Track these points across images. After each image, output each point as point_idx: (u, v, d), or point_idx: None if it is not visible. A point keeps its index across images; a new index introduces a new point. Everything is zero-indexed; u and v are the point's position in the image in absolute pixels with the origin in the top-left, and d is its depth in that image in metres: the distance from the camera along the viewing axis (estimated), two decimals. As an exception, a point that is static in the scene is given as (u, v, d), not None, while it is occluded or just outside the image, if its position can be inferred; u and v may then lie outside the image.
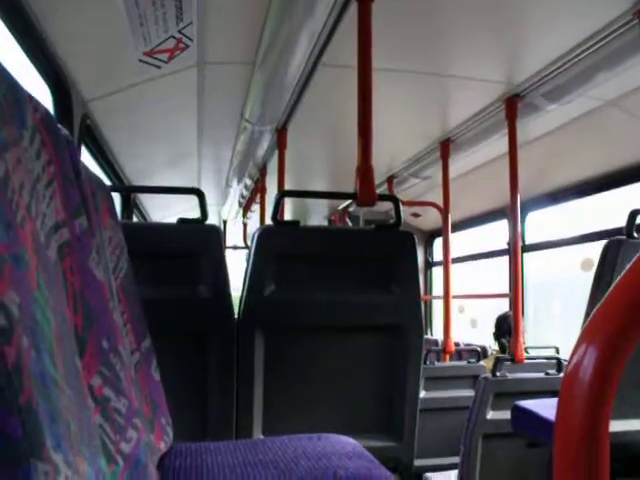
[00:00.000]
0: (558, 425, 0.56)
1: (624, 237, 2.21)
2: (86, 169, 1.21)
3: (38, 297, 0.69)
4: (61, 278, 0.86)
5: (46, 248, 0.81)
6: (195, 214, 2.07)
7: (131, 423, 0.95)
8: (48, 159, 0.88)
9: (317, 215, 7.92)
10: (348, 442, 1.47)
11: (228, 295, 2.00)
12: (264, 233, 2.01)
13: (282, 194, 2.17)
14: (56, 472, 0.61)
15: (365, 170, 2.13)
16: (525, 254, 4.99)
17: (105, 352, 0.94)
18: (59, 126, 0.96)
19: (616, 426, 2.08)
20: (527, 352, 3.68)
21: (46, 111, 0.89)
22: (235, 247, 9.02)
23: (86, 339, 0.90)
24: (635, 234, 2.24)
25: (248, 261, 2.01)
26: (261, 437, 1.97)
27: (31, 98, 0.84)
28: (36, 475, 0.56)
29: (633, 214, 2.27)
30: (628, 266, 0.56)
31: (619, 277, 0.56)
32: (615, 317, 0.55)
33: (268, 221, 2.09)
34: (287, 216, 6.36)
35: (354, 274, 2.08)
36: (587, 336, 0.56)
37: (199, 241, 2.00)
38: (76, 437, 0.71)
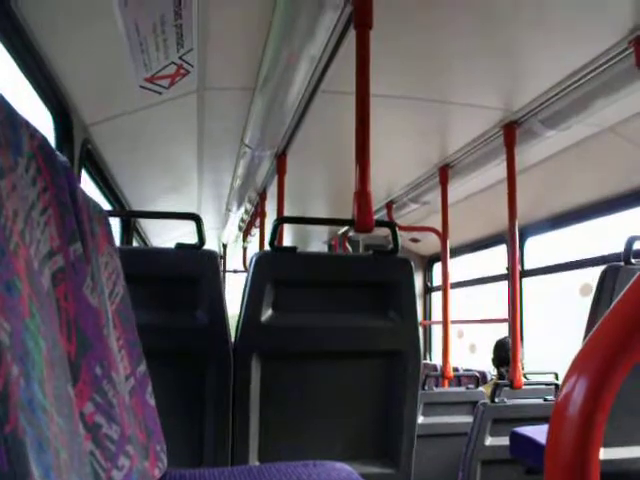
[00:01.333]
0: (548, 453, 0.55)
1: (621, 263, 2.21)
2: (84, 194, 1.21)
3: (30, 324, 0.69)
4: (54, 305, 0.86)
5: (40, 275, 0.81)
6: (195, 239, 2.07)
7: (123, 450, 0.94)
8: (44, 186, 0.88)
9: (317, 240, 7.93)
10: (343, 469, 1.46)
11: (225, 320, 2.00)
12: (262, 258, 2.01)
13: (280, 220, 2.17)
14: None
15: (362, 196, 2.13)
16: (525, 279, 5.00)
17: (98, 379, 0.94)
18: (57, 152, 0.97)
19: (609, 454, 2.07)
20: (526, 378, 3.67)
21: (43, 138, 0.90)
22: (235, 271, 9.02)
23: (79, 366, 0.90)
24: (633, 260, 2.24)
25: (245, 286, 2.00)
26: (257, 464, 1.96)
27: (28, 125, 0.85)
28: None
29: (630, 240, 2.28)
30: (619, 296, 0.56)
31: (610, 307, 0.56)
32: (606, 346, 0.55)
33: (267, 246, 2.09)
34: (287, 240, 6.37)
35: (352, 300, 2.07)
36: (578, 365, 0.56)
37: (196, 266, 2.00)
38: (66, 465, 0.71)
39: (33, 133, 0.86)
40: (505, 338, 4.28)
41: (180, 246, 2.02)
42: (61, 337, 0.85)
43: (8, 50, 2.11)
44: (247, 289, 1.98)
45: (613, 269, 2.18)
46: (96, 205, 1.35)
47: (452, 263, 4.68)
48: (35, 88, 2.42)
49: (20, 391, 0.62)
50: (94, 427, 0.90)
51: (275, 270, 2.02)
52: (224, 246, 8.59)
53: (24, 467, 0.58)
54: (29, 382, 0.65)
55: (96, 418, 0.91)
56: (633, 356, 0.54)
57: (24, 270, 0.72)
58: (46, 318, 0.77)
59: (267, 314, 1.99)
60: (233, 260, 9.16)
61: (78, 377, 0.89)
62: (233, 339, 2.01)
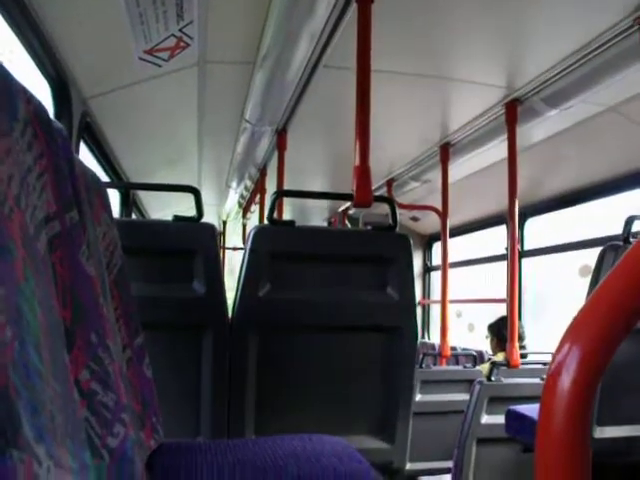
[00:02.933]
0: (540, 424, 0.55)
1: (620, 243, 2.21)
2: (81, 164, 1.20)
3: (24, 289, 0.69)
4: (50, 271, 0.86)
5: (35, 240, 0.81)
6: (194, 213, 2.07)
7: (118, 418, 0.95)
8: (40, 152, 0.87)
9: (317, 217, 7.92)
10: (339, 443, 1.47)
11: (222, 293, 2.00)
12: (259, 232, 2.01)
13: (279, 194, 2.17)
14: (37, 463, 0.61)
15: (362, 171, 2.12)
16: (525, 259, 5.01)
17: (94, 346, 0.94)
18: (53, 119, 0.96)
19: (604, 432, 2.08)
20: (525, 357, 3.68)
21: (39, 104, 0.89)
22: (235, 248, 9.03)
23: (74, 332, 0.90)
24: (632, 240, 2.24)
25: (243, 260, 2.00)
26: (253, 437, 1.97)
27: (25, 91, 0.84)
28: (12, 462, 0.56)
29: (630, 220, 2.28)
30: (611, 269, 0.56)
31: (603, 278, 0.56)
32: (598, 317, 0.55)
33: (267, 221, 2.09)
34: (286, 217, 6.39)
35: (349, 275, 2.07)
36: (571, 335, 0.56)
37: (194, 239, 2.00)
38: (61, 429, 0.71)
39: (29, 99, 0.85)
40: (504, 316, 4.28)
41: (178, 218, 2.02)
42: (57, 303, 0.85)
43: (7, 21, 2.09)
44: (245, 263, 1.98)
45: (612, 248, 2.18)
46: (93, 175, 1.34)
47: (454, 242, 4.68)
48: (34, 60, 2.40)
49: (14, 353, 0.62)
50: (89, 394, 0.90)
51: (273, 244, 2.02)
52: (224, 223, 8.59)
53: (15, 426, 0.58)
54: (24, 345, 0.65)
55: (92, 385, 0.91)
56: (626, 326, 0.54)
57: (19, 234, 0.72)
58: (41, 283, 0.77)
59: (265, 288, 1.99)
60: (232, 237, 9.17)
61: (73, 344, 0.89)
62: (231, 312, 2.01)
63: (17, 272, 0.68)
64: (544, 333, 5.01)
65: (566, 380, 0.54)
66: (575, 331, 0.56)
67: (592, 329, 0.55)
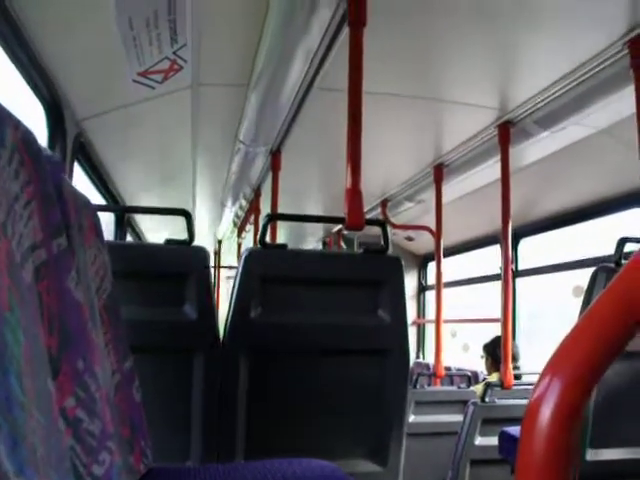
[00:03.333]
0: (520, 454, 0.55)
1: (612, 265, 2.22)
2: (70, 187, 1.20)
3: (9, 318, 0.69)
4: (36, 299, 0.86)
5: (21, 269, 0.81)
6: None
7: (104, 446, 0.94)
8: (27, 179, 0.87)
9: (312, 237, 7.93)
10: (328, 467, 1.46)
11: (213, 316, 2.00)
12: (251, 255, 2.01)
13: (270, 217, 2.17)
14: None
15: (354, 194, 2.13)
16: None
17: (80, 373, 0.93)
18: (41, 146, 0.96)
19: (595, 455, 2.07)
20: (519, 378, 3.67)
21: (27, 130, 0.89)
22: (230, 267, 9.03)
23: (59, 360, 0.90)
24: (623, 261, 2.24)
25: (235, 282, 2.00)
26: (243, 461, 1.96)
27: (11, 117, 0.84)
28: None
29: (621, 242, 2.28)
30: (595, 299, 0.56)
31: (585, 310, 0.56)
32: (578, 351, 0.55)
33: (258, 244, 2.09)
34: (281, 238, 6.38)
35: (341, 298, 2.07)
36: (552, 368, 0.55)
37: (185, 262, 2.00)
38: (44, 461, 0.70)
39: (16, 125, 0.85)
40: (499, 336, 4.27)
41: (170, 242, 2.02)
42: (42, 331, 0.85)
43: (0, 44, 2.10)
44: (236, 285, 1.98)
45: (604, 270, 2.18)
46: (84, 198, 1.34)
47: (448, 261, 4.68)
48: (28, 82, 2.41)
49: None
50: (75, 422, 0.90)
51: (265, 267, 2.02)
52: (219, 242, 8.59)
53: None
54: (6, 376, 0.65)
55: (77, 413, 0.90)
56: (608, 358, 0.54)
57: (5, 263, 0.72)
58: (27, 312, 0.77)
59: (256, 311, 1.98)
60: (228, 256, 9.16)
61: (59, 371, 0.89)
62: (222, 335, 2.00)
63: (2, 301, 0.68)
64: (538, 354, 5.00)
65: (546, 414, 0.54)
66: (556, 363, 0.56)
67: (572, 363, 0.54)
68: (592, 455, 2.11)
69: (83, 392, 0.93)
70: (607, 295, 0.56)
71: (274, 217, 2.39)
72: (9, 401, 0.63)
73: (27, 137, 0.89)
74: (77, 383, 0.92)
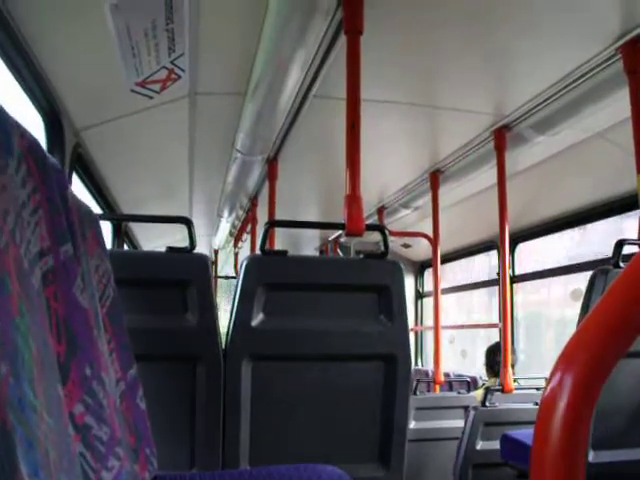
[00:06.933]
0: (535, 450, 0.56)
1: (610, 267, 2.22)
2: (74, 197, 1.21)
3: (20, 324, 0.69)
4: (44, 305, 0.86)
5: (30, 275, 0.81)
6: (186, 245, 2.07)
7: (113, 452, 0.94)
8: (34, 187, 0.88)
9: (309, 246, 7.94)
10: (334, 472, 1.46)
11: (215, 324, 2.00)
12: (252, 262, 2.01)
13: (270, 224, 2.18)
14: None
15: (353, 200, 2.14)
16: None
17: (88, 380, 0.94)
18: (47, 154, 0.97)
19: (599, 457, 2.07)
20: (518, 383, 3.68)
21: (33, 139, 0.90)
22: (227, 277, 9.02)
23: (69, 367, 0.90)
24: (621, 264, 2.25)
25: (236, 290, 2.00)
26: (248, 467, 1.95)
27: (18, 126, 0.85)
28: None
29: (619, 244, 2.29)
30: (604, 293, 0.57)
31: (595, 304, 0.57)
32: (591, 343, 0.55)
33: (258, 250, 2.09)
34: (277, 247, 6.41)
35: (342, 303, 2.07)
36: (563, 363, 0.56)
37: (187, 270, 2.00)
38: (55, 465, 0.70)
39: (23, 134, 0.86)
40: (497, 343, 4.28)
41: (171, 249, 2.02)
42: (51, 337, 0.85)
43: (-1, 54, 2.11)
44: (237, 293, 1.98)
45: (602, 272, 2.19)
46: (86, 208, 1.35)
47: (447, 268, 4.69)
48: (26, 93, 2.42)
49: (9, 389, 0.62)
50: (84, 428, 0.90)
51: (265, 274, 2.02)
52: (215, 252, 8.59)
53: (12, 462, 0.58)
54: (19, 381, 0.65)
55: (86, 419, 0.91)
56: (618, 351, 0.55)
57: (14, 269, 0.72)
58: (36, 318, 0.77)
59: (257, 318, 1.99)
60: (225, 266, 9.16)
61: (67, 378, 0.89)
62: (224, 343, 2.01)
63: (13, 307, 0.69)
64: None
65: (561, 407, 0.54)
66: (568, 357, 0.56)
67: (585, 355, 0.55)
68: (594, 457, 2.11)
69: (91, 399, 0.93)
70: (615, 290, 0.56)
71: (274, 224, 2.40)
72: (22, 404, 0.64)
73: (33, 146, 0.90)
74: (85, 390, 0.93)
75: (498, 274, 4.83)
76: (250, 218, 5.46)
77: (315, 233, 7.18)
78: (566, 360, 0.56)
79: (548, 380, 0.57)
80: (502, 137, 3.39)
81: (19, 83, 2.33)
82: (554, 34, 2.41)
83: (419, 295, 7.34)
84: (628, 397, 2.13)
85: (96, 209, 3.96)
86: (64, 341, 0.91)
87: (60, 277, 0.92)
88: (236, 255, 7.81)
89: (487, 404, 3.03)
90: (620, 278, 0.55)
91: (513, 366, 4.00)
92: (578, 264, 4.29)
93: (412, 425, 3.46)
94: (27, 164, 0.86)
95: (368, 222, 2.25)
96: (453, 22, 2.37)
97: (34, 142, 0.90)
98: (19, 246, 0.78)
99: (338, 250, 6.81)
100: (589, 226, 4.27)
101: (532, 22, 2.35)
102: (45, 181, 0.92)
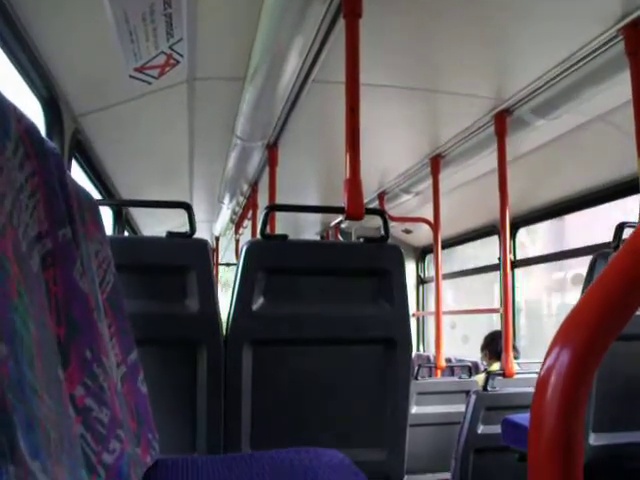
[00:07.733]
0: (532, 428, 0.56)
1: (611, 250, 2.23)
2: (73, 182, 1.21)
3: (18, 305, 0.70)
4: (43, 288, 0.86)
5: (28, 257, 0.81)
6: (187, 229, 2.07)
7: (114, 434, 0.95)
8: (32, 170, 0.88)
9: (309, 232, 7.93)
10: (335, 455, 1.47)
11: (216, 308, 2.00)
12: (252, 247, 2.01)
13: (270, 208, 2.17)
14: (33, 479, 0.61)
15: (353, 184, 2.13)
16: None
17: (88, 363, 0.94)
18: (45, 138, 0.96)
19: (599, 439, 2.08)
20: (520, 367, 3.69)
21: (31, 123, 0.90)
22: (228, 264, 9.03)
23: (69, 349, 0.90)
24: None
25: (236, 274, 2.00)
26: (249, 451, 1.96)
27: (15, 109, 0.85)
28: (7, 478, 0.56)
29: (620, 227, 2.29)
30: (601, 271, 0.57)
31: (593, 281, 0.57)
32: (587, 321, 0.55)
33: (259, 235, 2.09)
34: (278, 232, 6.41)
35: (342, 288, 2.08)
36: (560, 340, 0.56)
37: (187, 255, 2.00)
38: (56, 446, 0.71)
39: (20, 117, 0.86)
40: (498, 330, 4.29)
41: (171, 234, 2.02)
42: (50, 320, 0.85)
43: (-3, 40, 2.10)
44: (238, 277, 1.99)
45: (603, 256, 2.19)
46: (85, 193, 1.35)
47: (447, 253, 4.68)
48: (25, 79, 2.41)
49: (9, 370, 0.62)
50: (84, 410, 0.90)
51: (266, 258, 2.02)
52: (216, 239, 8.59)
53: (13, 443, 0.59)
54: (18, 362, 0.65)
55: (87, 401, 0.91)
56: (614, 329, 0.55)
57: (12, 251, 0.72)
58: (35, 300, 0.77)
59: (258, 302, 1.99)
60: (225, 253, 9.16)
61: (68, 360, 0.89)
62: (225, 327, 2.01)
63: (11, 288, 0.69)
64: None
65: (557, 384, 0.54)
66: (564, 335, 0.56)
67: (581, 332, 0.55)
68: (594, 439, 2.12)
69: (91, 381, 0.94)
70: (612, 269, 0.56)
71: (274, 208, 2.40)
72: (22, 385, 0.64)
73: (31, 129, 0.89)
74: (85, 372, 0.93)
75: (499, 259, 4.84)
76: (251, 204, 5.46)
77: (316, 219, 7.18)
78: (563, 337, 0.56)
79: (545, 357, 0.57)
80: (503, 121, 3.37)
81: (17, 70, 2.32)
82: (555, 16, 2.39)
83: (420, 281, 7.34)
84: (628, 380, 2.14)
85: (96, 195, 3.96)
86: (64, 323, 0.91)
87: (59, 260, 0.92)
88: (237, 242, 7.82)
89: (488, 388, 3.04)
90: (616, 258, 0.55)
91: (516, 357, 4.02)
92: (581, 248, 4.28)
93: (414, 410, 3.47)
94: (25, 147, 0.86)
95: (368, 207, 2.25)
96: (453, 5, 2.35)
97: (32, 126, 0.90)
98: (17, 229, 0.78)
99: (339, 235, 6.82)
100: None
101: (532, 4, 2.33)
102: (43, 165, 0.92)
